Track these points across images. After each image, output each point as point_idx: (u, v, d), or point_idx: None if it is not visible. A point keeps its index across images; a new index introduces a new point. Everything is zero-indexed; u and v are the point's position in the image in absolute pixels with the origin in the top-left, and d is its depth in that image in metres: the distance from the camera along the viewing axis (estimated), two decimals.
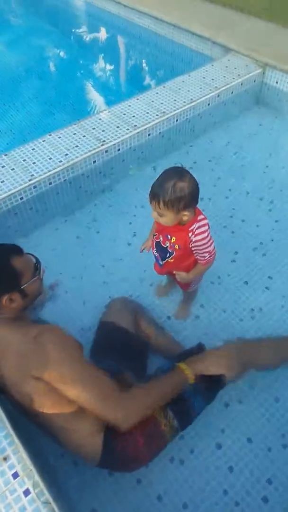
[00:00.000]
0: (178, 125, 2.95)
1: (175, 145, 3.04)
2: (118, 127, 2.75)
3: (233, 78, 3.24)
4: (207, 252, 1.62)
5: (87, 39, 5.15)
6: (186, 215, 1.50)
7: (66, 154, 2.54)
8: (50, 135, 2.70)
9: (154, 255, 1.79)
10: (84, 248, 2.44)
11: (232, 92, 3.23)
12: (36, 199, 2.42)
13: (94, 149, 2.58)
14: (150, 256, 1.85)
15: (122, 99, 3.07)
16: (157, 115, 2.85)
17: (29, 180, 2.37)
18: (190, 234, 1.56)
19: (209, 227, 1.59)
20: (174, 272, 1.78)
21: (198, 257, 1.66)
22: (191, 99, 3.01)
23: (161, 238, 1.65)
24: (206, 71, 3.33)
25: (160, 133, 2.85)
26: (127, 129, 2.73)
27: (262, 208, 2.65)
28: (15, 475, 1.28)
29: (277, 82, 3.36)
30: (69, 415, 1.33)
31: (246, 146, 3.12)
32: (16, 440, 1.35)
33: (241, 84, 3.27)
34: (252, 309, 2.13)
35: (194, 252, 1.64)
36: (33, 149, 2.59)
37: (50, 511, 1.22)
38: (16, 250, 1.40)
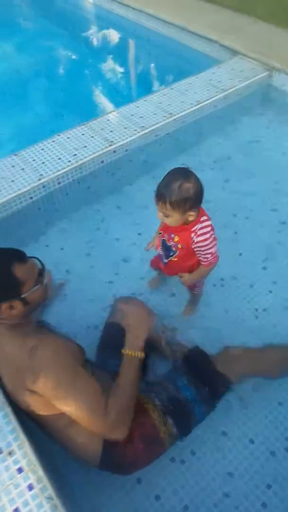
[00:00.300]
0: (185, 126, 2.96)
1: (182, 146, 3.05)
2: (126, 128, 2.77)
3: (240, 81, 3.25)
4: (209, 253, 1.62)
5: (96, 41, 5.19)
6: (192, 215, 1.51)
7: (75, 154, 2.56)
8: (59, 135, 2.73)
9: (159, 253, 1.80)
10: (92, 247, 2.46)
11: (239, 94, 3.24)
12: (45, 198, 2.45)
13: (102, 149, 2.60)
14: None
15: (130, 100, 3.09)
16: (164, 116, 2.87)
17: (38, 180, 2.40)
18: (192, 235, 1.57)
19: (212, 228, 1.59)
20: (178, 274, 1.79)
21: (200, 258, 1.66)
22: (198, 101, 3.02)
23: (166, 237, 1.67)
24: (213, 73, 3.34)
25: (167, 134, 2.87)
26: (135, 130, 2.74)
27: (268, 210, 2.65)
28: (20, 470, 1.30)
29: (284, 85, 3.37)
30: (67, 424, 1.35)
31: (253, 148, 3.13)
32: (22, 436, 1.37)
33: (248, 86, 3.27)
34: (256, 309, 2.13)
35: (196, 253, 1.64)
36: (42, 149, 2.62)
37: (53, 507, 1.23)
38: (19, 257, 1.31)
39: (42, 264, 1.39)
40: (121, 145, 2.65)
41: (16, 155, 2.59)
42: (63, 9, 5.91)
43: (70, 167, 2.48)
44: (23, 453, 1.33)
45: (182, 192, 1.43)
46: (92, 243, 2.48)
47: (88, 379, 1.33)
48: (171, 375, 1.64)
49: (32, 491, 1.26)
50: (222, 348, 1.76)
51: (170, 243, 1.66)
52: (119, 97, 4.12)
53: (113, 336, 1.78)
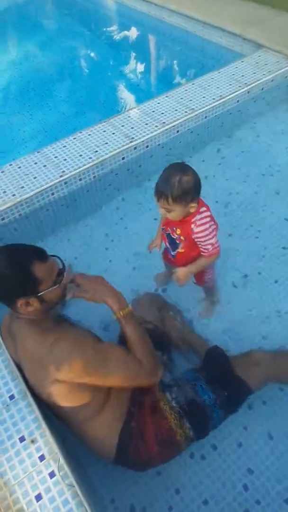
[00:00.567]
0: (207, 121, 2.94)
1: (204, 142, 3.03)
2: (147, 124, 2.78)
3: (264, 75, 3.20)
4: (209, 244, 1.63)
5: (118, 38, 5.21)
6: (193, 207, 1.54)
7: (96, 151, 2.59)
8: (80, 132, 2.76)
9: (167, 247, 1.82)
10: (111, 242, 2.48)
11: (262, 89, 3.18)
12: (66, 195, 2.49)
13: (123, 146, 2.61)
14: None
15: (152, 97, 3.09)
16: (186, 112, 2.86)
17: (60, 176, 2.44)
18: (192, 226, 1.59)
19: (212, 219, 1.61)
20: (173, 271, 1.77)
21: (201, 249, 1.67)
22: (220, 95, 2.99)
23: (169, 230, 1.69)
24: (236, 67, 3.30)
25: (188, 129, 2.85)
26: (156, 126, 2.75)
27: None
28: (42, 458, 1.34)
29: None
30: (86, 418, 1.39)
31: (276, 143, 3.07)
32: (44, 425, 1.40)
33: (272, 80, 3.21)
34: (278, 311, 2.10)
35: (197, 243, 1.66)
36: (64, 146, 2.66)
37: (74, 494, 1.26)
38: (40, 255, 1.30)
39: (63, 264, 1.39)
40: (142, 141, 2.66)
41: (38, 152, 2.64)
42: (86, 7, 5.96)
43: (91, 164, 2.51)
44: (45, 441, 1.37)
45: (182, 186, 1.45)
46: (112, 238, 2.51)
47: (112, 347, 1.42)
48: (190, 376, 1.62)
49: (54, 478, 1.29)
50: (246, 351, 1.75)
51: (174, 236, 1.68)
52: (141, 94, 4.13)
53: None
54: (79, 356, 1.28)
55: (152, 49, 5.01)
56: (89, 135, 2.73)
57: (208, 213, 1.60)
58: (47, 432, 1.38)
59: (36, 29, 5.58)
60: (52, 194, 2.43)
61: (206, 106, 2.90)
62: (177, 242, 1.69)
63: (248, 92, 3.09)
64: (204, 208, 1.60)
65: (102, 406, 1.41)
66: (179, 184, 1.45)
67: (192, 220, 1.58)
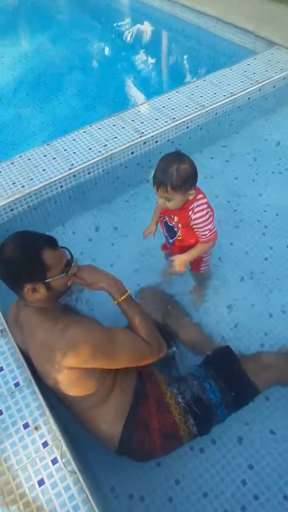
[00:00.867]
0: (217, 118, 2.94)
1: (214, 139, 3.03)
2: (157, 119, 2.78)
3: (276, 72, 3.18)
4: (207, 229, 1.65)
5: (130, 33, 5.21)
6: (192, 194, 1.57)
7: (105, 145, 2.60)
8: (90, 126, 2.77)
9: (164, 235, 1.83)
10: (119, 236, 2.49)
11: (274, 86, 3.18)
12: (75, 187, 2.51)
13: (133, 140, 2.62)
14: None
15: (162, 92, 3.10)
16: (196, 108, 2.86)
17: (69, 169, 2.46)
18: (190, 213, 1.61)
19: (208, 206, 1.64)
20: (171, 259, 1.79)
21: (199, 235, 1.69)
22: (231, 92, 2.98)
23: (167, 218, 1.71)
24: (248, 64, 3.29)
25: (198, 126, 2.85)
26: (166, 121, 2.75)
27: None
28: (45, 444, 1.36)
29: None
30: (91, 406, 1.41)
31: (286, 141, 3.06)
32: (47, 412, 1.43)
33: (284, 78, 3.20)
34: (283, 310, 2.10)
35: (195, 230, 1.68)
36: (74, 139, 2.67)
37: (75, 480, 1.28)
38: (50, 243, 1.35)
39: (71, 256, 1.43)
40: (151, 136, 2.67)
41: (48, 144, 2.66)
42: (98, 2, 5.95)
43: (100, 158, 2.53)
44: (49, 428, 1.39)
45: (180, 174, 1.49)
46: (119, 231, 2.52)
47: (119, 329, 1.44)
48: (198, 373, 1.62)
49: (56, 465, 1.31)
50: (256, 352, 1.76)
51: (172, 224, 1.70)
52: (152, 90, 4.12)
53: None
54: (90, 338, 1.31)
55: (163, 44, 5.00)
56: (99, 128, 2.74)
57: (205, 200, 1.63)
58: (51, 420, 1.41)
59: (49, 22, 5.58)
60: (61, 186, 2.45)
61: (217, 102, 2.90)
62: (175, 229, 1.72)
63: (260, 89, 3.08)
64: (201, 195, 1.63)
65: (107, 395, 1.43)
66: (178, 173, 1.48)
67: (190, 207, 1.61)
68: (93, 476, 1.58)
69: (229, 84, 3.07)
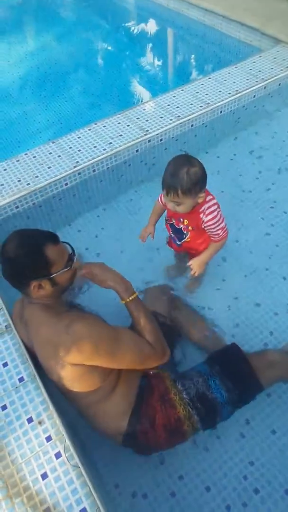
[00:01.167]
0: (222, 116, 2.93)
1: (219, 137, 3.02)
2: (161, 117, 2.78)
3: (281, 70, 3.17)
4: (220, 229, 1.65)
5: (135, 31, 5.20)
6: (201, 197, 1.55)
7: (110, 143, 2.61)
8: (95, 124, 2.78)
9: (171, 236, 1.83)
10: (123, 235, 2.50)
11: (280, 84, 3.16)
12: (80, 185, 2.52)
13: (138, 138, 2.63)
14: None
15: (167, 90, 3.09)
16: (201, 106, 2.85)
17: (74, 167, 2.47)
18: (201, 215, 1.60)
19: (218, 206, 1.63)
20: (188, 264, 1.80)
21: (212, 235, 1.68)
22: (237, 90, 2.97)
23: (173, 221, 1.70)
24: (254, 62, 3.28)
25: (203, 124, 2.85)
26: (171, 119, 2.75)
27: None
28: (48, 438, 1.38)
29: None
30: (96, 401, 1.42)
31: None
32: (51, 407, 1.44)
33: None
34: None
35: (207, 231, 1.67)
36: (79, 137, 2.68)
37: (79, 474, 1.29)
38: (52, 238, 1.37)
39: (73, 250, 1.45)
40: (156, 134, 2.67)
41: (53, 142, 2.67)
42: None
43: (105, 155, 2.53)
44: (52, 423, 1.41)
45: (191, 178, 1.47)
46: (124, 229, 2.53)
47: (124, 329, 1.45)
48: (203, 369, 1.62)
49: (60, 459, 1.33)
50: (261, 350, 1.76)
51: (180, 226, 1.69)
52: (157, 87, 4.12)
53: None
54: (95, 335, 1.31)
55: (169, 42, 4.99)
56: (104, 126, 2.75)
57: (214, 201, 1.62)
58: (54, 414, 1.42)
59: (54, 20, 5.59)
60: (66, 184, 2.46)
61: (222, 100, 2.90)
62: (184, 232, 1.71)
63: (265, 87, 3.07)
64: (210, 196, 1.62)
65: (112, 390, 1.44)
66: (188, 176, 1.46)
67: (200, 209, 1.59)
68: (97, 473, 1.60)
69: (234, 82, 3.06)
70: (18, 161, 2.56)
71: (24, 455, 1.34)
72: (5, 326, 1.69)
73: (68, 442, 1.36)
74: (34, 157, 2.57)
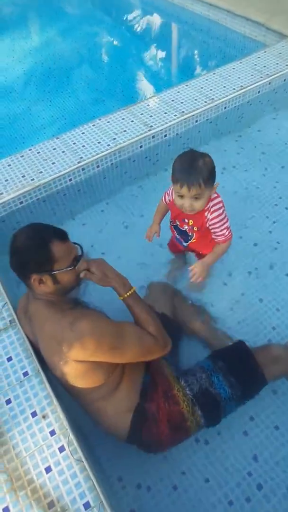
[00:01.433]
0: (226, 112, 2.92)
1: (223, 132, 3.01)
2: (166, 113, 2.77)
3: (286, 65, 3.14)
4: (225, 228, 1.63)
5: (139, 26, 5.18)
6: (215, 188, 1.54)
7: (114, 138, 2.60)
8: (99, 119, 2.77)
9: (177, 237, 1.82)
10: (127, 230, 2.50)
11: (285, 80, 3.14)
12: (84, 181, 2.51)
13: (142, 134, 2.62)
14: None
15: (171, 86, 3.08)
16: (205, 101, 2.84)
17: (78, 163, 2.46)
18: (206, 213, 1.58)
19: (223, 204, 1.61)
20: (190, 268, 1.76)
21: (217, 236, 1.65)
22: (241, 86, 2.96)
23: (178, 222, 1.68)
24: (258, 57, 3.25)
25: (207, 119, 2.84)
26: (175, 115, 2.74)
27: None
28: (52, 433, 1.39)
29: None
30: (100, 397, 1.42)
31: None
32: (55, 402, 1.45)
33: None
34: None
35: (212, 231, 1.64)
36: (83, 133, 2.68)
37: (82, 468, 1.30)
38: (60, 236, 1.37)
39: (82, 252, 1.46)
40: (160, 130, 2.66)
41: (57, 138, 2.67)
42: None
43: (109, 151, 2.53)
44: (56, 417, 1.42)
45: (208, 167, 1.47)
46: (127, 225, 2.53)
47: (127, 323, 1.45)
48: (206, 365, 1.62)
49: (63, 453, 1.34)
50: (265, 344, 1.76)
51: (184, 228, 1.67)
52: (162, 83, 4.11)
53: None
54: (98, 332, 1.32)
55: (173, 37, 4.96)
56: (108, 122, 2.74)
57: (219, 199, 1.61)
58: (58, 409, 1.43)
59: (58, 15, 5.57)
60: (70, 180, 2.46)
61: (226, 96, 2.88)
62: (189, 233, 1.69)
63: (270, 83, 3.05)
64: (215, 195, 1.60)
65: (116, 387, 1.44)
66: (205, 166, 1.46)
67: (205, 207, 1.58)
68: (101, 467, 1.61)
69: (239, 78, 3.04)
70: (22, 156, 2.56)
71: (28, 449, 1.35)
72: (10, 321, 1.70)
73: (71, 436, 1.37)
74: (38, 152, 2.57)
